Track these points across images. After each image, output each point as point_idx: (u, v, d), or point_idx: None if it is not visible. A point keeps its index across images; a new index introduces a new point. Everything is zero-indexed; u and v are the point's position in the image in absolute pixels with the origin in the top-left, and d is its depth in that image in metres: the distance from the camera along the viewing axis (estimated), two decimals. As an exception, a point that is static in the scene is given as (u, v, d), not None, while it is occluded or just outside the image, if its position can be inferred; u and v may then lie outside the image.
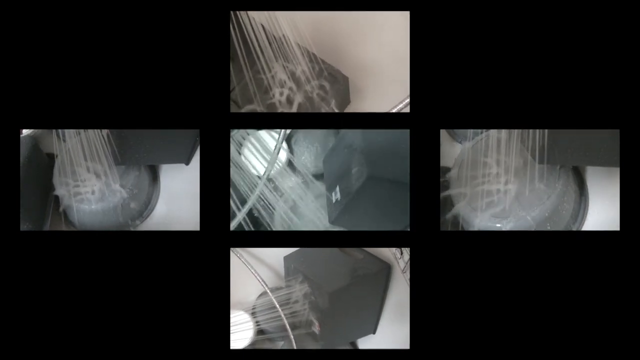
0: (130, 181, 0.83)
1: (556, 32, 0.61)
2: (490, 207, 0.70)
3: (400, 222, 0.74)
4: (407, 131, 0.69)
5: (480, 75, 0.62)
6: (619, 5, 0.60)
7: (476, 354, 0.62)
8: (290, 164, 0.87)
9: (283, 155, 0.86)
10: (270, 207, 0.80)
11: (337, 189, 0.76)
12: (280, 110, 0.77)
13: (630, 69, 0.60)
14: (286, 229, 0.83)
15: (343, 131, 0.82)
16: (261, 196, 0.78)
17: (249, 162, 0.83)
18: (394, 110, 0.69)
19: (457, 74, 0.63)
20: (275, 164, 0.81)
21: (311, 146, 0.88)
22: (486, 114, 0.63)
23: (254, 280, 0.93)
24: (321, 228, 0.81)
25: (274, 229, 0.82)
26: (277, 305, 0.87)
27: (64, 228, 0.84)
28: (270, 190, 0.79)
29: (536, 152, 0.66)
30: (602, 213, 0.72)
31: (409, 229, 0.68)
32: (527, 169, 0.69)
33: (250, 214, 0.78)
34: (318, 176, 0.86)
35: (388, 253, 0.85)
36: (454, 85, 0.63)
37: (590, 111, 0.61)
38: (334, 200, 0.77)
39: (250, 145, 0.84)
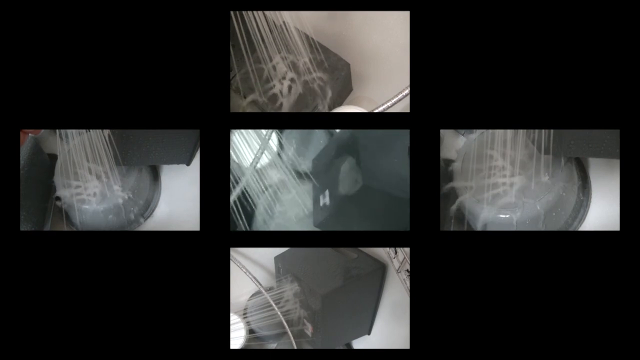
0: (131, 182, 0.83)
1: (556, 32, 0.61)
2: (496, 199, 0.70)
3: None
4: (403, 135, 0.66)
5: (480, 75, 0.63)
6: (619, 5, 0.60)
7: (476, 354, 0.62)
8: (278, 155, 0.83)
9: (273, 144, 0.82)
10: (251, 202, 0.78)
11: (327, 192, 0.74)
12: (281, 100, 0.76)
13: (630, 69, 0.60)
14: (264, 225, 0.79)
15: (338, 132, 0.79)
16: (245, 188, 0.76)
17: (238, 150, 0.79)
18: (397, 98, 0.68)
19: (457, 74, 0.63)
20: (264, 155, 0.78)
21: (300, 145, 0.85)
22: (486, 114, 0.63)
23: (242, 281, 0.92)
24: (302, 227, 0.77)
25: (254, 225, 0.79)
26: (273, 304, 0.85)
27: (65, 228, 0.84)
28: (256, 181, 0.77)
29: (541, 144, 0.66)
30: (605, 205, 0.73)
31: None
32: (533, 162, 0.69)
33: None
34: (301, 174, 0.81)
35: (382, 252, 0.83)
36: (454, 85, 0.63)
37: (591, 111, 0.61)
38: (321, 204, 0.74)
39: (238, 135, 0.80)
